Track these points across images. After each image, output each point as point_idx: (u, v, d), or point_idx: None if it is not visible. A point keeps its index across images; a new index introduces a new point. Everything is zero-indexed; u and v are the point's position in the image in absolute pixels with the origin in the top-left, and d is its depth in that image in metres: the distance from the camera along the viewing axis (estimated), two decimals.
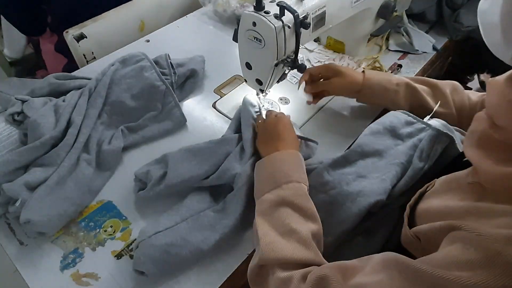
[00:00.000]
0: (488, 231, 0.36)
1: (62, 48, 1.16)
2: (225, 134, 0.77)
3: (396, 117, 0.70)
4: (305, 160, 0.68)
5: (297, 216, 0.55)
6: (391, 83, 0.76)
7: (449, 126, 0.63)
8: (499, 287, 0.33)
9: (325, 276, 0.43)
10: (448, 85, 0.75)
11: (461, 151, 0.60)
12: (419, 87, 0.75)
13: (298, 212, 0.56)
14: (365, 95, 0.79)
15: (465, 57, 1.26)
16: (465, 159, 0.54)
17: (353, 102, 0.91)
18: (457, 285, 0.34)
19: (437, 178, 0.55)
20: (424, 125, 0.66)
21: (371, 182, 0.60)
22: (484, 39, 0.46)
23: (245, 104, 0.78)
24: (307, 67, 0.76)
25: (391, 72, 0.97)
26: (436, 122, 0.65)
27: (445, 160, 0.62)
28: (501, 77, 0.46)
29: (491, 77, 0.48)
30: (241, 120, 0.77)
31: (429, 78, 0.77)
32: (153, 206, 0.69)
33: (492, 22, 0.42)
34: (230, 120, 0.86)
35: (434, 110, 0.70)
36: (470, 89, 1.07)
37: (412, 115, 0.70)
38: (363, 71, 0.79)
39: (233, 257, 0.63)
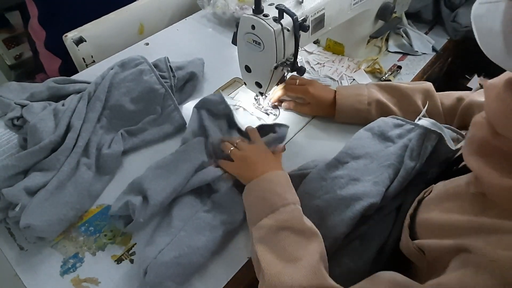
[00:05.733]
0: (501, 254, 0.35)
1: (54, 47, 1.16)
2: (185, 136, 0.77)
3: (384, 121, 0.70)
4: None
5: (299, 240, 0.53)
6: (362, 103, 0.77)
7: (439, 124, 0.63)
8: None
9: None
10: (419, 92, 0.76)
11: (452, 148, 0.58)
12: (389, 100, 0.77)
13: (299, 236, 0.54)
14: (340, 118, 0.81)
15: (465, 57, 1.25)
16: (463, 163, 0.52)
17: None
18: None
19: (434, 184, 0.53)
20: (412, 126, 0.65)
21: (364, 185, 0.59)
22: (480, 45, 0.43)
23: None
24: (306, 69, 0.76)
25: (391, 74, 0.97)
26: (425, 122, 0.64)
27: (437, 158, 0.61)
28: (499, 81, 0.43)
29: (488, 79, 0.46)
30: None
31: (401, 85, 0.78)
32: None
33: (491, 29, 0.39)
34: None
35: (423, 112, 0.69)
36: (470, 89, 1.06)
37: (400, 117, 0.69)
38: (334, 92, 0.81)
39: (233, 262, 0.63)
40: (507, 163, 0.40)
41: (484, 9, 0.40)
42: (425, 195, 0.53)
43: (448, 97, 0.75)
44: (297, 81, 0.83)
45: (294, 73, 0.73)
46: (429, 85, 0.77)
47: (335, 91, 0.81)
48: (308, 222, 0.55)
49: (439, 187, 0.52)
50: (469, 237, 0.40)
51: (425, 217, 0.50)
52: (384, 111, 0.77)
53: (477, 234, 0.40)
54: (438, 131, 0.60)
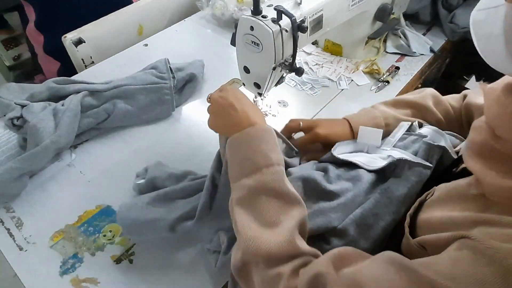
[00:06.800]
0: (500, 245, 0.35)
1: (52, 50, 1.16)
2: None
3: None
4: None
5: (280, 204, 0.51)
6: (380, 126, 0.69)
7: (440, 131, 0.62)
8: None
9: (320, 273, 0.42)
10: (428, 99, 0.71)
11: (454, 157, 0.59)
12: (406, 115, 0.71)
13: (281, 200, 0.51)
14: None
15: (463, 58, 1.26)
16: (462, 165, 0.52)
17: (354, 103, 0.91)
18: None
19: (435, 186, 0.53)
20: (416, 136, 0.64)
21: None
22: (479, 51, 0.43)
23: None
24: (305, 70, 0.75)
25: (389, 75, 0.98)
26: (427, 130, 0.63)
27: (440, 166, 0.61)
28: (498, 86, 0.44)
29: (488, 83, 0.47)
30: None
31: (409, 97, 0.73)
32: None
33: (491, 33, 0.40)
34: None
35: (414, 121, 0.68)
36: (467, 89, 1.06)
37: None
38: (345, 119, 0.72)
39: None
40: (505, 164, 0.41)
41: (483, 15, 0.41)
42: (427, 197, 0.53)
43: (453, 98, 0.72)
44: (300, 123, 0.71)
45: (292, 73, 0.73)
46: (433, 90, 0.73)
47: (347, 120, 0.71)
48: (291, 187, 0.52)
49: (441, 189, 0.52)
50: (469, 229, 0.40)
51: (427, 217, 0.50)
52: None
53: (477, 227, 0.40)
54: (442, 144, 0.59)
